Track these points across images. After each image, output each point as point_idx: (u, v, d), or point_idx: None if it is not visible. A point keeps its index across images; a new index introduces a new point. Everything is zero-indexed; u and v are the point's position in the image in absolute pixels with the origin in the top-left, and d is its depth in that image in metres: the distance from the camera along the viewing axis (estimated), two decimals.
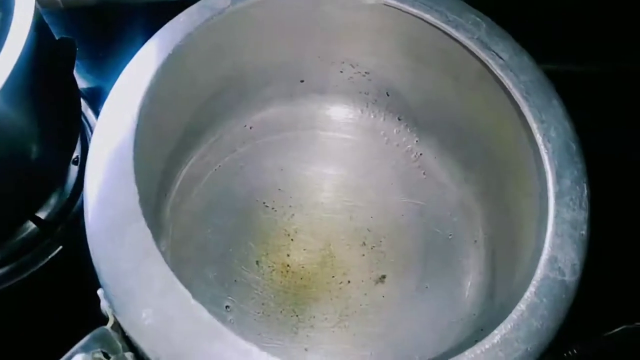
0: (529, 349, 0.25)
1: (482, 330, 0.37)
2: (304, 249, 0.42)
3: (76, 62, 0.44)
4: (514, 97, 0.32)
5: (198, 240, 0.40)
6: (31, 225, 0.44)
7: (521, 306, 0.25)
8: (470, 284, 0.41)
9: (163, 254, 0.38)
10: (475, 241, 0.42)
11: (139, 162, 0.28)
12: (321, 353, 0.38)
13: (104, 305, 0.25)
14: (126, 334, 0.24)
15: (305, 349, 0.38)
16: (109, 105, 0.29)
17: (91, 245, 0.25)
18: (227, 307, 0.39)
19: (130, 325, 0.23)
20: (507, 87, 0.32)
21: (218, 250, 0.40)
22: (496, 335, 0.25)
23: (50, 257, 0.44)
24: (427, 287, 0.41)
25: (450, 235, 0.43)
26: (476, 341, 0.37)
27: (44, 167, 0.42)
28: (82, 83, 0.52)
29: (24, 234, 0.45)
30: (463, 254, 0.42)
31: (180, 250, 0.40)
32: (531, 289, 0.26)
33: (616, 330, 0.41)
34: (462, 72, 0.37)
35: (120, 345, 0.23)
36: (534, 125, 0.31)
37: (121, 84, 0.30)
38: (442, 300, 0.40)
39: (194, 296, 0.37)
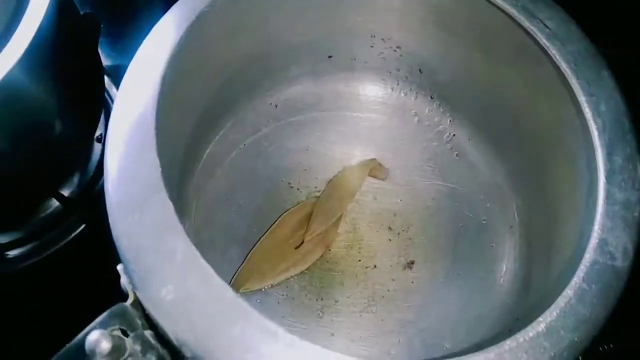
0: (576, 338, 0.23)
1: (517, 319, 0.36)
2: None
3: (100, 39, 0.44)
4: (561, 68, 0.29)
5: (221, 221, 0.39)
6: (55, 203, 0.44)
7: (568, 292, 0.23)
8: (505, 271, 0.39)
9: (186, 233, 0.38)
10: (511, 226, 0.40)
11: (162, 135, 0.27)
12: (347, 338, 0.37)
13: (124, 281, 0.24)
14: (146, 312, 0.22)
15: (332, 334, 0.37)
16: (130, 75, 0.28)
17: (111, 219, 0.24)
18: None
19: (150, 302, 0.22)
20: (553, 58, 0.30)
21: (242, 231, 0.39)
22: (541, 323, 0.23)
23: (74, 234, 0.44)
24: (458, 274, 0.39)
25: (484, 220, 0.41)
26: (510, 331, 0.36)
27: (67, 144, 0.41)
28: (105, 60, 0.52)
29: (48, 212, 0.44)
30: (497, 239, 0.40)
31: (203, 231, 0.39)
32: (579, 274, 0.24)
33: None
34: (501, 45, 0.35)
35: (139, 322, 0.22)
36: (582, 99, 0.28)
37: (142, 54, 0.29)
38: (475, 287, 0.38)
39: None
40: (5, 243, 0.43)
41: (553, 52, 0.30)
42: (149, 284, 0.23)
